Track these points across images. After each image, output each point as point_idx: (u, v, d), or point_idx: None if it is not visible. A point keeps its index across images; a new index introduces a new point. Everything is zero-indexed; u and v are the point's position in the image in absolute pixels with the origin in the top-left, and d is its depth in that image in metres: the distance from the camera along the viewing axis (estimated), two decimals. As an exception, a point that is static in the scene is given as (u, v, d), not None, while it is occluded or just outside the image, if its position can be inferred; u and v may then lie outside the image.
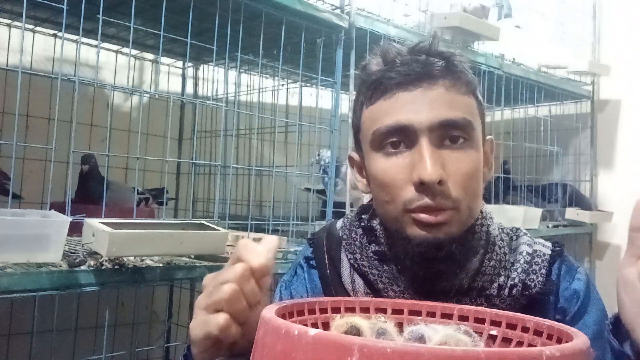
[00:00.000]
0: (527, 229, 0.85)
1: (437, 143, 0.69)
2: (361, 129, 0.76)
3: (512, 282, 0.73)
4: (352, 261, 0.79)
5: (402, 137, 0.70)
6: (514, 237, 0.80)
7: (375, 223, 0.79)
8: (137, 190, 1.59)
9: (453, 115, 0.69)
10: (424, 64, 0.71)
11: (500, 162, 2.48)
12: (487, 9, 2.06)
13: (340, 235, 0.83)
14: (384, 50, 0.75)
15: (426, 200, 0.68)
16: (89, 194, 1.54)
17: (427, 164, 0.67)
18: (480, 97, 0.75)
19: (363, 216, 0.82)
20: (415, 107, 0.69)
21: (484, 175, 0.77)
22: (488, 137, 0.78)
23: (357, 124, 0.77)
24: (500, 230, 0.79)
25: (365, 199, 0.84)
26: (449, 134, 0.69)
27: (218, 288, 0.59)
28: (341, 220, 0.86)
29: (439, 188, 0.67)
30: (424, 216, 0.68)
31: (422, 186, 0.67)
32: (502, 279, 0.73)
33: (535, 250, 0.77)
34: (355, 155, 0.81)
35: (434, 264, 0.71)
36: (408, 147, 0.70)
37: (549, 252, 0.77)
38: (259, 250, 0.61)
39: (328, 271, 0.81)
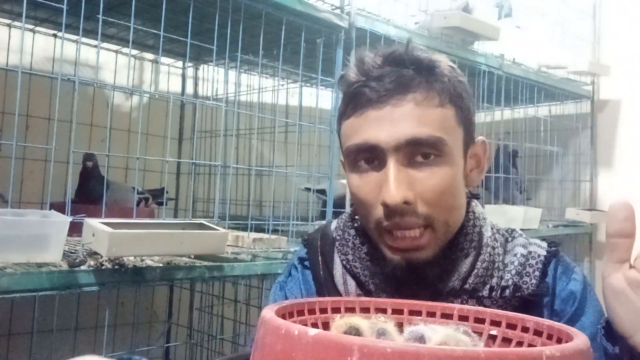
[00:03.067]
0: (526, 229, 0.84)
1: (406, 161, 0.68)
2: (340, 140, 0.77)
3: (504, 284, 0.72)
4: (344, 262, 0.78)
5: (372, 155, 0.70)
6: (509, 239, 0.79)
7: None
8: (137, 190, 1.59)
9: (420, 133, 0.67)
10: (395, 78, 0.70)
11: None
12: (470, 8, 2.04)
13: (334, 236, 0.82)
14: (360, 59, 0.74)
15: (395, 221, 0.68)
16: (89, 193, 1.54)
17: (390, 186, 0.66)
18: (462, 104, 0.73)
19: (356, 216, 0.82)
20: (382, 124, 0.68)
21: (473, 179, 0.76)
22: (479, 138, 0.77)
23: (339, 134, 0.78)
24: (495, 231, 0.78)
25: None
26: (419, 151, 0.68)
27: None
28: (336, 220, 0.86)
29: (406, 207, 0.67)
30: (396, 242, 0.69)
31: (387, 208, 0.67)
32: (494, 280, 0.73)
33: (530, 252, 0.76)
34: None
35: (407, 285, 0.71)
36: (379, 164, 0.70)
37: (544, 252, 0.76)
38: None
39: (321, 272, 0.81)
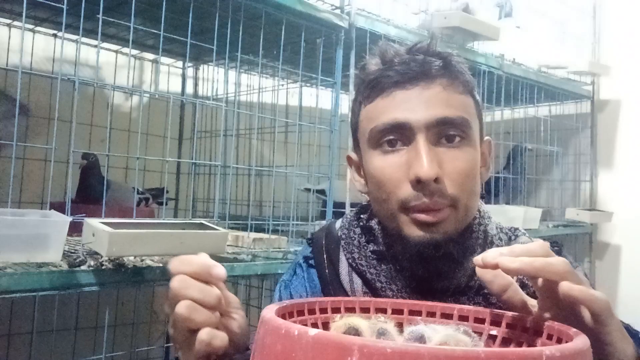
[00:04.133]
0: (527, 229, 0.85)
1: (434, 141, 0.70)
2: (359, 127, 0.77)
3: None
4: (350, 260, 0.79)
5: (399, 134, 0.70)
6: (513, 237, 0.80)
7: (373, 222, 0.80)
8: (137, 190, 1.59)
9: (450, 113, 0.69)
10: (421, 64, 0.72)
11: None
12: (470, 9, 2.04)
13: (339, 234, 0.83)
14: (383, 49, 0.75)
15: (423, 201, 0.68)
16: (90, 193, 1.54)
17: (423, 161, 0.67)
18: (478, 98, 0.76)
19: (362, 216, 0.82)
20: (412, 105, 0.70)
21: (481, 175, 0.77)
22: (486, 138, 0.79)
23: (355, 122, 0.78)
24: (499, 230, 0.79)
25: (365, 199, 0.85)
26: (446, 132, 0.70)
27: (173, 311, 0.57)
28: (340, 219, 0.87)
29: (435, 186, 0.67)
30: (421, 216, 0.69)
31: (418, 184, 0.68)
32: None
33: None
34: (354, 155, 0.82)
35: (432, 263, 0.71)
36: (405, 145, 0.70)
37: None
38: (188, 259, 0.60)
39: (327, 271, 0.82)
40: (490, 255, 0.55)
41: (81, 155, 1.54)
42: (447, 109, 0.70)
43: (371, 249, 0.78)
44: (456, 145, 0.70)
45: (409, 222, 0.70)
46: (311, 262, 0.85)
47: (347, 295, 0.78)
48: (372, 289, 0.76)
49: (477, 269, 0.57)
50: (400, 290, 0.74)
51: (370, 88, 0.74)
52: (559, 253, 0.77)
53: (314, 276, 0.84)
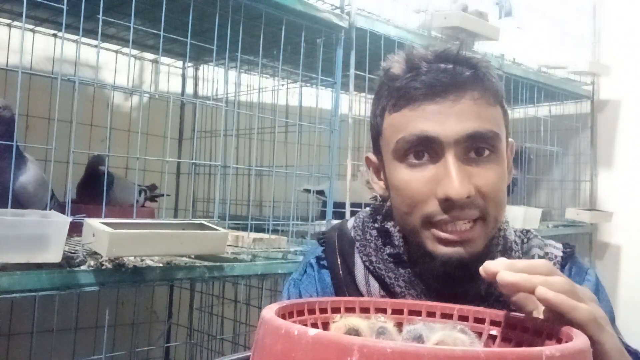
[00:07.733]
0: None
1: (463, 156, 0.68)
2: (383, 135, 0.75)
3: None
4: (367, 263, 0.78)
5: (426, 148, 0.69)
6: (525, 240, 0.80)
7: (389, 225, 0.79)
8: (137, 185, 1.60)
9: (480, 128, 0.68)
10: (451, 74, 0.69)
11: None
12: (484, 15, 2.06)
13: (352, 235, 0.82)
14: (408, 54, 0.73)
15: (453, 213, 0.67)
16: (94, 191, 1.54)
17: (454, 180, 0.66)
18: (505, 106, 0.75)
19: (377, 217, 0.81)
20: (442, 118, 0.68)
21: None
22: (509, 140, 0.78)
23: (378, 129, 0.76)
24: (515, 234, 0.79)
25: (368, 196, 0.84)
26: (475, 146, 0.69)
27: None
28: (352, 219, 0.85)
29: (466, 201, 0.67)
30: (445, 235, 0.68)
31: (447, 202, 0.67)
32: None
33: (547, 253, 0.77)
34: (373, 157, 0.80)
35: (459, 281, 0.71)
36: (432, 158, 0.69)
37: (561, 254, 0.78)
38: None
39: (341, 272, 0.80)
40: (492, 265, 0.55)
41: (97, 160, 1.55)
42: (477, 123, 0.68)
43: (388, 252, 0.76)
44: (485, 160, 0.69)
45: (432, 238, 0.69)
46: (323, 262, 0.83)
47: (362, 297, 0.77)
48: (390, 293, 0.75)
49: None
50: (419, 295, 0.73)
51: (397, 97, 0.71)
52: (571, 255, 0.78)
53: (325, 277, 0.82)
